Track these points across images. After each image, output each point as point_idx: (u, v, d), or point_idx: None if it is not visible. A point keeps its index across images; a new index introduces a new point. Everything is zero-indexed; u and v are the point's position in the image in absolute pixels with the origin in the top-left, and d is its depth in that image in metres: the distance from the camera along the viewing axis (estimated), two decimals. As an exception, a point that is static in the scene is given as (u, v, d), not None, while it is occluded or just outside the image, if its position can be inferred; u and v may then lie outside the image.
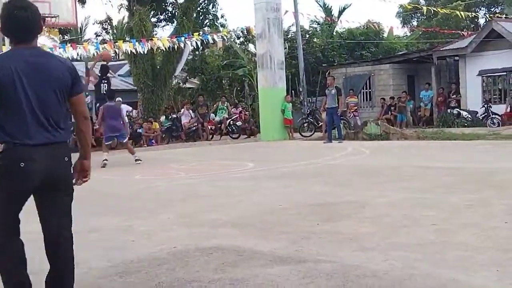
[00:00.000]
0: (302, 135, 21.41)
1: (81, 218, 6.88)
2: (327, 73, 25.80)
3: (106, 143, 14.23)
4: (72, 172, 3.65)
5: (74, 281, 3.66)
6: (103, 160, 13.65)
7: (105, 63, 20.73)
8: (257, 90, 22.91)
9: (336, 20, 35.01)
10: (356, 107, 24.18)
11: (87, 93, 14.72)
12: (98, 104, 15.18)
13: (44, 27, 15.88)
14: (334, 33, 34.00)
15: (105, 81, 16.77)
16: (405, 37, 38.65)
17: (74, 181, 3.71)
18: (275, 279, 4.11)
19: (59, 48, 24.62)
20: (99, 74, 18.65)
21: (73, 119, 3.80)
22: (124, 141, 14.58)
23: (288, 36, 29.87)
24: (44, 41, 34.46)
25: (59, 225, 3.64)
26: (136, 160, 13.88)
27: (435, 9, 31.03)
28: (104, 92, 17.45)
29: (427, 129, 20.50)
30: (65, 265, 3.63)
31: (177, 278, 4.24)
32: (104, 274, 4.46)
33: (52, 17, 16.35)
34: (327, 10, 37.42)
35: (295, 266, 4.42)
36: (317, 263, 4.46)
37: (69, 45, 24.37)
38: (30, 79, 3.34)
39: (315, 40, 32.58)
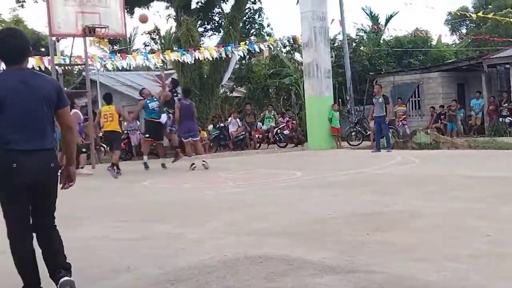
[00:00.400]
0: (350, 144, 21.26)
1: (134, 225, 7.03)
2: (374, 82, 25.60)
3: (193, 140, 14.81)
4: (57, 178, 4.25)
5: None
6: (192, 165, 14.28)
7: (174, 74, 21.02)
8: (304, 99, 22.87)
9: (383, 28, 34.73)
10: (404, 116, 23.90)
11: (160, 111, 14.92)
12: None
13: (94, 38, 16.27)
14: (381, 41, 33.72)
15: (176, 95, 16.90)
16: (454, 45, 38.07)
17: (61, 186, 4.33)
18: (326, 289, 4.10)
19: (109, 58, 25.17)
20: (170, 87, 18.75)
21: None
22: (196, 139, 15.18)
23: (335, 45, 29.76)
24: (94, 51, 35.17)
25: (48, 222, 4.30)
26: (203, 163, 14.31)
27: (485, 15, 30.40)
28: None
29: (478, 138, 20.08)
30: (59, 245, 4.35)
31: (228, 286, 4.27)
32: (156, 281, 4.51)
33: (102, 27, 16.65)
34: (373, 18, 37.16)
35: (345, 276, 4.39)
36: (368, 273, 4.42)
37: (118, 55, 24.89)
38: (23, 95, 3.95)
39: (362, 48, 32.37)
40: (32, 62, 21.48)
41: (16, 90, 3.94)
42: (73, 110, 13.85)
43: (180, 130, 15.08)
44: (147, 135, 15.46)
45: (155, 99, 15.39)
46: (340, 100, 25.59)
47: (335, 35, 31.66)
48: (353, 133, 22.39)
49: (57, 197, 4.29)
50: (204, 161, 14.43)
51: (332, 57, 24.55)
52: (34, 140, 3.96)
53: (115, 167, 13.76)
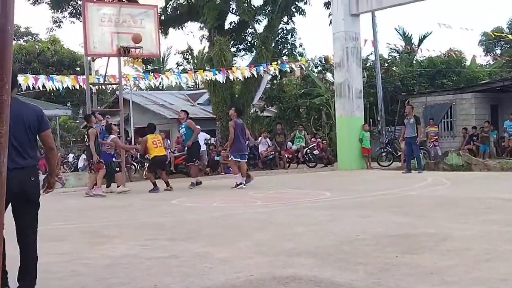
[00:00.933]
0: (380, 165, 21.11)
1: (162, 244, 7.07)
2: (406, 102, 25.42)
3: (240, 160, 14.71)
4: (38, 189, 4.81)
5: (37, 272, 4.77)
6: (239, 184, 14.39)
7: (205, 94, 21.31)
8: (335, 119, 22.84)
9: (416, 48, 34.57)
10: (436, 137, 23.66)
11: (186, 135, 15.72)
12: None
13: (128, 57, 16.56)
14: (414, 62, 33.54)
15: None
16: (488, 66, 37.67)
17: (42, 191, 4.88)
18: (353, 311, 4.06)
19: (142, 78, 25.52)
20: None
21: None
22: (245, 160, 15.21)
23: (367, 65, 29.70)
24: (128, 70, 35.70)
25: (30, 232, 4.75)
26: (246, 180, 14.53)
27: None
28: None
29: (511, 160, 19.77)
30: (32, 259, 4.76)
31: (254, 306, 4.26)
32: (183, 300, 4.52)
33: (137, 48, 16.92)
34: (406, 38, 37.04)
35: (373, 298, 4.35)
36: (396, 296, 4.38)
37: (152, 74, 25.21)
38: (11, 122, 4.19)
39: (394, 68, 32.23)
40: (68, 81, 21.91)
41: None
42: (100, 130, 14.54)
43: (232, 149, 14.85)
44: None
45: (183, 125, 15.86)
46: (371, 120, 25.48)
47: (367, 55, 31.62)
48: (383, 154, 22.23)
49: (39, 208, 4.79)
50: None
51: (364, 77, 24.50)
52: (19, 159, 4.59)
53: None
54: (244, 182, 14.45)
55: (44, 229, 8.68)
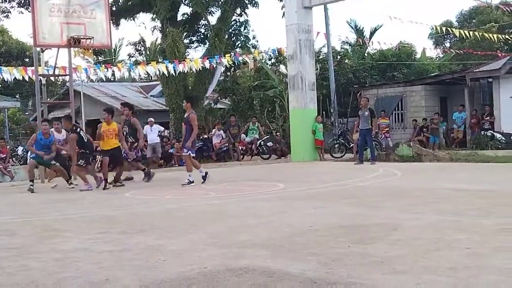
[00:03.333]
0: (333, 156, 21.33)
1: (114, 237, 6.99)
2: (358, 94, 25.77)
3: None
4: None
5: None
6: (191, 182, 13.39)
7: (158, 85, 20.84)
8: (288, 111, 22.96)
9: (368, 41, 34.99)
10: (387, 129, 24.05)
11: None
12: None
13: (79, 48, 16.18)
14: (366, 54, 33.97)
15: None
16: (437, 59, 38.41)
17: None
18: (305, 301, 4.09)
19: (94, 69, 25.13)
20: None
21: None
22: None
23: (320, 57, 29.94)
24: (79, 62, 35.11)
25: None
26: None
27: (466, 33, 30.51)
28: None
29: (460, 151, 20.24)
30: None
31: (207, 298, 4.25)
32: (135, 293, 4.48)
33: (87, 38, 16.62)
34: (358, 31, 37.47)
35: (325, 288, 4.40)
36: (348, 285, 4.43)
37: (103, 66, 24.85)
38: None
39: (346, 61, 32.60)
40: (16, 73, 21.40)
41: None
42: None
43: (192, 144, 13.69)
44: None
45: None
46: (324, 112, 25.72)
47: (320, 48, 31.89)
48: (336, 146, 22.48)
49: None
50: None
51: (316, 69, 24.68)
52: None
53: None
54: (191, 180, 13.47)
55: (-7, 224, 8.52)
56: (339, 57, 32.27)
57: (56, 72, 19.90)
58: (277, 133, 25.22)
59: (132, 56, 38.34)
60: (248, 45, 31.99)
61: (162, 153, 21.35)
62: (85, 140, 13.89)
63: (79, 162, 13.77)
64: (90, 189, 13.30)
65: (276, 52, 27.92)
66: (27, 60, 40.92)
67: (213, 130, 24.30)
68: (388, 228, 6.72)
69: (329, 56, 26.50)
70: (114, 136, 14.05)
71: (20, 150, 26.01)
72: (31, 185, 13.54)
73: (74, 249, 6.33)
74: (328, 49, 26.87)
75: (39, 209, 10.42)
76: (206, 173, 13.76)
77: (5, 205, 11.47)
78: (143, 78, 39.15)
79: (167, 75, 24.52)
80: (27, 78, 21.89)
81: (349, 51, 35.27)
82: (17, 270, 5.42)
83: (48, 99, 24.95)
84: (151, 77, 37.76)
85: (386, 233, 6.42)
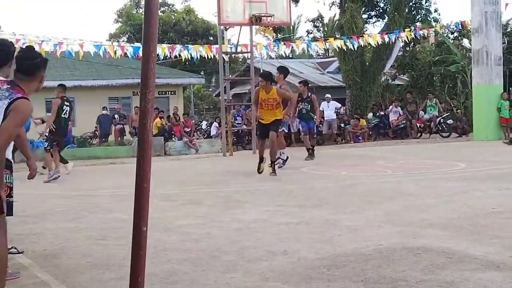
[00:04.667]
0: (520, 136, 19.99)
1: (292, 210, 7.18)
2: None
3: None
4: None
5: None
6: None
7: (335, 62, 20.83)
8: (471, 87, 21.90)
9: None
10: None
11: None
12: None
13: (260, 26, 16.46)
14: None
15: None
16: None
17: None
18: (488, 285, 3.93)
19: (273, 46, 25.72)
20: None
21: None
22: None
23: (507, 30, 28.02)
24: (259, 39, 36.11)
25: None
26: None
27: None
28: None
29: None
30: None
31: (384, 276, 4.23)
32: (312, 266, 4.57)
33: (268, 16, 17.04)
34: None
35: (509, 273, 4.18)
36: (535, 272, 4.17)
37: (282, 43, 25.33)
38: None
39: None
40: (202, 50, 22.54)
41: None
42: None
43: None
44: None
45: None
46: (510, 89, 24.12)
47: (507, 20, 29.77)
48: (524, 124, 21.01)
49: None
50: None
51: (504, 43, 23.17)
52: None
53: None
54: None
55: (183, 193, 9.14)
56: (529, 29, 29.94)
57: (238, 49, 20.65)
58: (458, 110, 24.15)
59: (311, 33, 38.61)
60: (429, 19, 30.85)
61: (338, 129, 21.42)
62: (63, 118, 12.13)
63: (46, 146, 12.26)
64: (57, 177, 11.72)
65: (460, 26, 26.58)
66: (211, 38, 42.88)
67: (390, 107, 23.83)
68: None
69: (519, 28, 24.74)
70: (275, 107, 11.13)
71: (204, 124, 27.49)
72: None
73: (254, 220, 6.61)
74: (517, 21, 25.10)
75: (221, 180, 10.96)
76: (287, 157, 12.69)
77: (191, 175, 12.22)
78: (320, 54, 39.38)
79: (344, 51, 24.39)
80: (211, 56, 22.97)
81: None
82: (202, 237, 5.78)
83: (230, 76, 26.00)
84: (328, 53, 37.82)
85: None
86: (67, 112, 12.16)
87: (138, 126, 3.09)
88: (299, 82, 16.41)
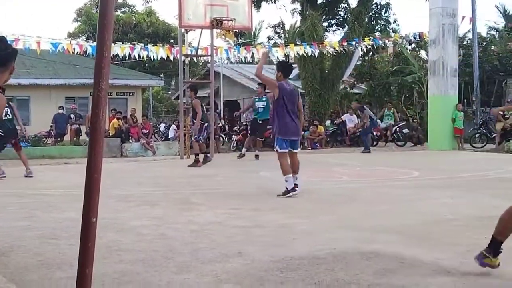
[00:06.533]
0: (473, 146, 20.43)
1: (247, 214, 7.17)
2: (503, 83, 24.44)
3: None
4: None
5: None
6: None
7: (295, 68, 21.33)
8: (427, 98, 22.29)
9: (517, 27, 33.00)
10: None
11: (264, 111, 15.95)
12: None
13: (220, 30, 16.55)
14: (514, 41, 32.01)
15: None
16: None
17: None
18: (437, 290, 3.98)
19: (234, 50, 25.73)
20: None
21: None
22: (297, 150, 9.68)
23: (464, 43, 28.66)
24: (220, 43, 36.04)
25: None
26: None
27: None
28: None
29: None
30: None
31: (337, 279, 4.25)
32: (266, 268, 4.57)
33: (229, 20, 17.04)
34: (508, 16, 35.41)
35: (459, 278, 4.25)
36: (483, 277, 4.26)
37: (243, 47, 25.37)
38: None
39: (492, 47, 30.94)
40: (162, 52, 22.40)
41: None
42: None
43: (276, 129, 8.99)
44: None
45: (263, 99, 15.78)
46: (465, 100, 24.67)
47: (464, 33, 30.51)
48: (477, 135, 21.52)
49: None
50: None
51: (460, 55, 23.68)
52: None
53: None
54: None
55: (139, 194, 9.04)
56: (484, 43, 30.68)
57: (199, 52, 20.59)
58: (414, 120, 24.57)
59: (271, 39, 38.74)
60: (388, 29, 31.27)
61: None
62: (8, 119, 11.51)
63: None
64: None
65: (417, 37, 27.07)
66: (172, 41, 42.58)
67: (344, 115, 24.11)
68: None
69: (474, 41, 25.29)
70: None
71: (162, 127, 27.31)
72: None
73: (208, 222, 6.57)
74: (473, 34, 25.65)
75: (178, 182, 10.90)
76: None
77: (146, 178, 12.12)
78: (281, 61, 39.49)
79: (304, 58, 24.55)
80: (171, 58, 22.83)
81: (496, 37, 33.45)
82: (156, 238, 5.72)
83: (190, 79, 25.91)
84: (288, 60, 38.00)
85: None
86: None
87: (91, 115, 3.03)
88: (258, 84, 16.73)
